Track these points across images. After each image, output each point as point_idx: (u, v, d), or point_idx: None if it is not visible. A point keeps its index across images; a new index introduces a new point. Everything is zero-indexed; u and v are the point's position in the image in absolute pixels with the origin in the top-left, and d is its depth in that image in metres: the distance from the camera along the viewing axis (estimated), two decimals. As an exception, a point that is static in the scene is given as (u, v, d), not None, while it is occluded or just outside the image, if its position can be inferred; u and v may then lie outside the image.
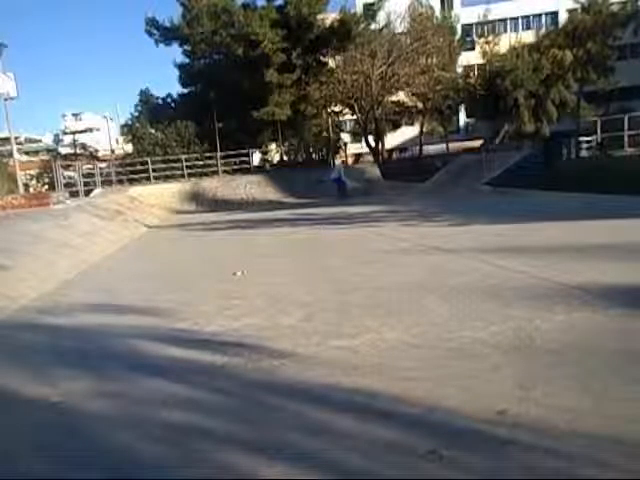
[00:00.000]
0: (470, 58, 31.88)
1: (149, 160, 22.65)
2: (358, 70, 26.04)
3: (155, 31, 26.76)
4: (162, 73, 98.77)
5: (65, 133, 62.13)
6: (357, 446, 1.84)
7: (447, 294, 3.92)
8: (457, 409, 2.08)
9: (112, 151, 34.38)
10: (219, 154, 23.62)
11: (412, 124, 34.68)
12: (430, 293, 3.99)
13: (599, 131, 21.98)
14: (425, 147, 34.17)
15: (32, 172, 33.94)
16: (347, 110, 30.49)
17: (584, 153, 23.35)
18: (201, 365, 2.83)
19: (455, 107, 32.19)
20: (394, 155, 39.03)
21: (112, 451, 1.98)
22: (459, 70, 30.90)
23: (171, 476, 1.80)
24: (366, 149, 30.64)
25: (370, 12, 26.75)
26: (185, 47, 27.21)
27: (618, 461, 1.67)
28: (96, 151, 42.24)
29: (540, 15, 40.20)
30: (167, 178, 22.42)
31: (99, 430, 2.16)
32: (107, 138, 42.91)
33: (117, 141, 43.17)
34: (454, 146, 33.41)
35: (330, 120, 27.41)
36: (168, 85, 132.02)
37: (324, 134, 27.27)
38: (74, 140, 48.08)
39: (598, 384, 2.23)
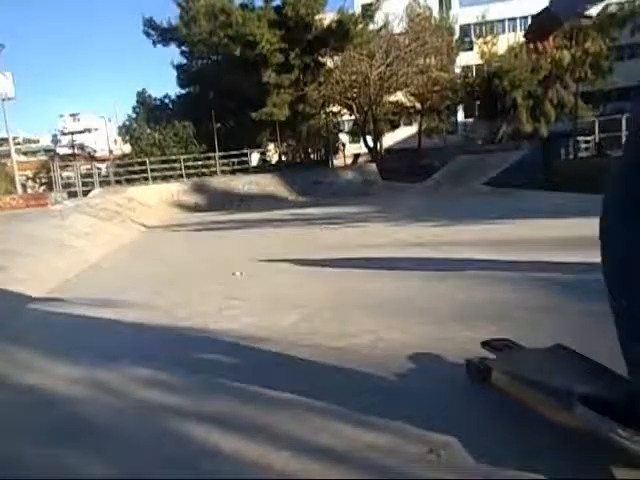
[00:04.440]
0: (468, 58, 31.98)
1: (147, 160, 22.65)
2: (356, 70, 26.08)
3: (153, 32, 26.81)
4: (160, 74, 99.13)
5: (63, 133, 62.18)
6: (357, 447, 1.83)
7: (447, 294, 3.92)
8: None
9: (110, 151, 34.38)
10: (217, 154, 23.62)
11: (410, 124, 34.78)
12: (430, 293, 3.99)
13: (597, 131, 22.06)
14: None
15: (30, 173, 33.93)
16: (345, 110, 30.50)
17: (582, 153, 23.42)
18: (200, 364, 2.81)
19: (453, 107, 32.29)
20: (393, 155, 39.09)
21: (109, 447, 1.97)
22: (457, 70, 30.97)
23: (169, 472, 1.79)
24: (364, 149, 30.67)
25: (368, 12, 26.81)
26: (183, 48, 27.27)
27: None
28: (94, 151, 42.29)
29: (538, 15, 40.21)
30: (165, 178, 22.42)
31: (97, 427, 2.15)
32: (105, 138, 42.87)
33: (115, 141, 43.17)
34: (453, 146, 33.40)
35: (328, 120, 27.44)
36: (166, 86, 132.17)
37: (322, 134, 27.30)
38: (72, 140, 48.10)
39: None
